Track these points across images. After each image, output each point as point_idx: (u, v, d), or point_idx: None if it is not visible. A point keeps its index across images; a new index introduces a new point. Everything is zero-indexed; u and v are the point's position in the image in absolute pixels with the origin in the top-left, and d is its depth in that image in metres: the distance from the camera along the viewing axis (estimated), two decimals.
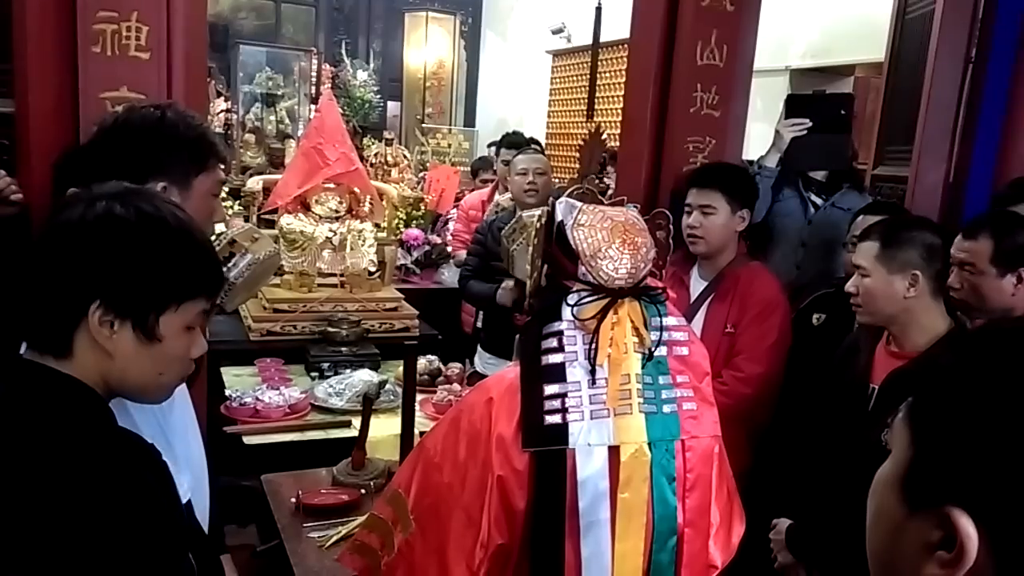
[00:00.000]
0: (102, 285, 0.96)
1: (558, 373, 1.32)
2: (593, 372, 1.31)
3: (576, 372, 1.32)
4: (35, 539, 0.86)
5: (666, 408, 1.34)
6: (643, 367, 1.34)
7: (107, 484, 0.91)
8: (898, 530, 0.59)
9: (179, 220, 1.02)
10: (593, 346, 1.32)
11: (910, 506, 0.58)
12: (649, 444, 1.30)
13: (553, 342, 1.33)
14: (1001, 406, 0.53)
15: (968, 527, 0.52)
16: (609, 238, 1.37)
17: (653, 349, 1.35)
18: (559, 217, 1.41)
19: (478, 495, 1.28)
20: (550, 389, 1.30)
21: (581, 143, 5.22)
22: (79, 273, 0.96)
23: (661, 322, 1.37)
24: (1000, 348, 0.58)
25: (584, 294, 1.35)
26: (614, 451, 1.29)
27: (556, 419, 1.29)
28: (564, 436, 1.28)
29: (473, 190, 5.36)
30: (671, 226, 1.51)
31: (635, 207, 1.49)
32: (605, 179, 4.61)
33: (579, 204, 1.42)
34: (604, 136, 1.56)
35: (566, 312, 1.34)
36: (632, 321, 1.35)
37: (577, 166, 5.32)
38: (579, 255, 1.36)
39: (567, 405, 1.30)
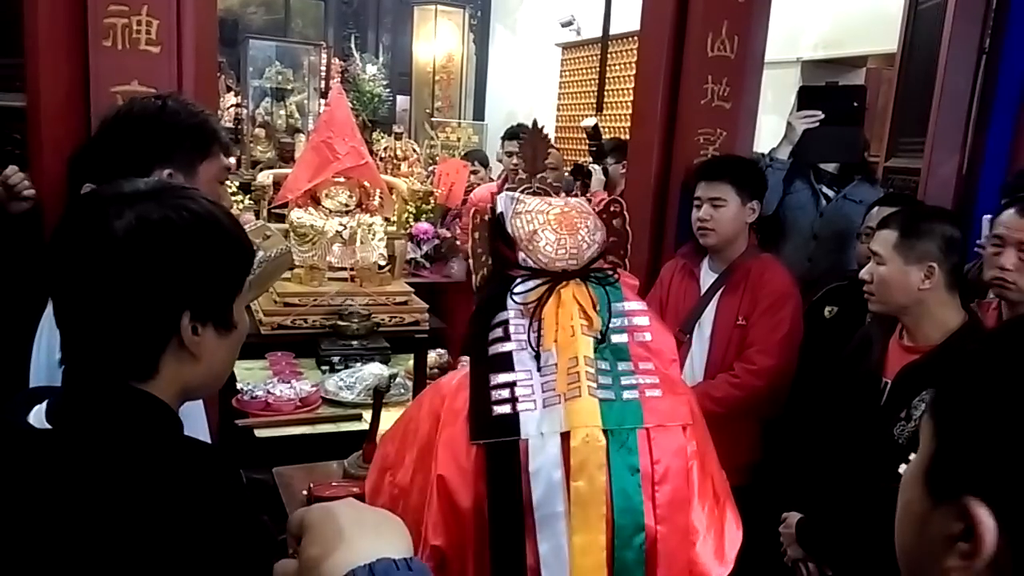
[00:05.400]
0: (189, 297, 0.93)
1: (506, 362, 1.27)
2: (541, 358, 1.27)
3: (525, 360, 1.27)
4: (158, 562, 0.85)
5: (626, 395, 1.27)
6: (596, 351, 1.28)
7: (226, 513, 0.91)
8: (923, 523, 0.59)
9: (219, 208, 1.00)
10: (537, 331, 1.27)
11: (934, 498, 0.58)
12: (607, 432, 1.23)
13: (499, 332, 1.30)
14: (1019, 397, 0.53)
15: (986, 517, 0.53)
16: (546, 221, 1.35)
17: (604, 332, 1.30)
18: (499, 209, 1.38)
19: (420, 492, 1.24)
20: (498, 379, 1.26)
21: (587, 142, 5.19)
22: (167, 294, 0.91)
23: (621, 306, 1.33)
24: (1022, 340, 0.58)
25: (526, 279, 1.32)
26: (566, 438, 1.23)
27: (506, 409, 1.24)
28: (515, 426, 1.23)
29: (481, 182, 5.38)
30: (626, 213, 1.47)
31: (586, 200, 1.47)
32: (593, 168, 4.62)
33: (519, 195, 1.41)
34: (544, 131, 1.52)
35: (510, 300, 1.31)
36: (579, 303, 1.30)
37: (587, 159, 5.31)
38: (516, 241, 1.34)
39: (517, 395, 1.24)
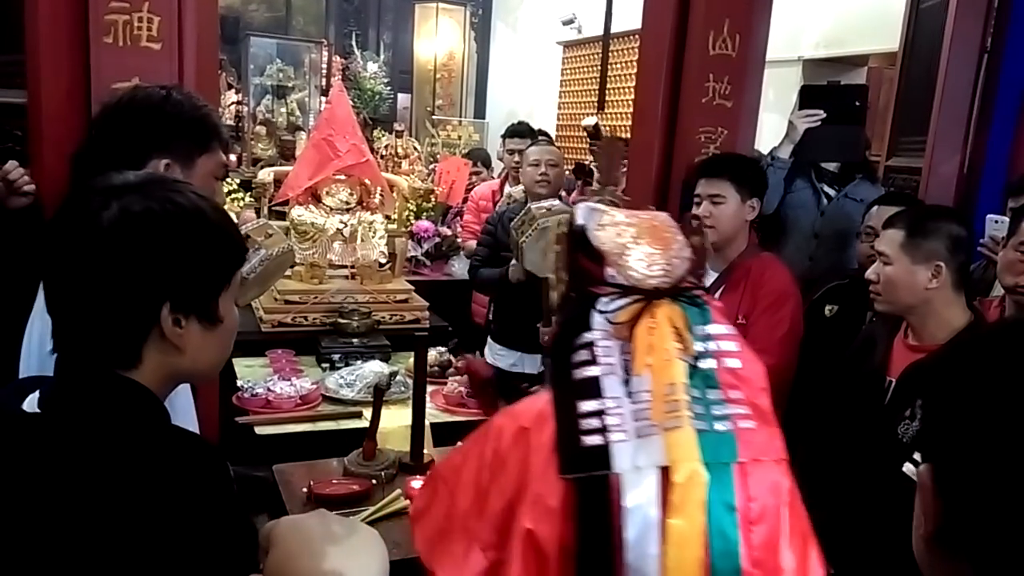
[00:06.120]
0: (168, 288, 0.94)
1: (593, 388, 1.16)
2: (632, 383, 1.16)
3: (614, 386, 1.17)
4: (138, 548, 0.85)
5: (719, 426, 1.17)
6: (689, 377, 1.18)
7: (206, 495, 0.92)
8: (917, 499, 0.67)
9: (207, 201, 1.01)
10: (628, 354, 1.17)
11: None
12: (705, 465, 1.13)
13: (585, 354, 1.19)
14: (966, 379, 0.61)
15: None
16: (637, 235, 1.25)
17: (699, 357, 1.20)
18: (579, 221, 1.29)
19: (494, 527, 1.16)
20: (585, 406, 1.15)
21: (587, 141, 5.18)
22: (147, 284, 0.93)
23: (710, 329, 1.22)
24: (991, 339, 0.65)
25: (615, 297, 1.22)
26: (666, 472, 1.12)
27: (596, 440, 1.13)
28: (606, 459, 1.12)
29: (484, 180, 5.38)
30: (705, 228, 1.39)
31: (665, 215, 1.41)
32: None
33: (601, 206, 1.31)
34: (619, 140, 1.41)
35: (596, 320, 1.21)
36: (673, 325, 1.21)
37: (589, 158, 5.31)
38: (604, 255, 1.24)
39: (607, 424, 1.14)
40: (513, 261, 3.11)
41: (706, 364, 1.20)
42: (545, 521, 1.12)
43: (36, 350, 1.40)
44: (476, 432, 1.31)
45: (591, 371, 1.17)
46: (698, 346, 1.20)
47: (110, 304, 0.92)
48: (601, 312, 1.20)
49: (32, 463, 0.88)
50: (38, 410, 0.93)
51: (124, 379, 0.94)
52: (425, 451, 2.28)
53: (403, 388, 2.74)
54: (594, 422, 1.14)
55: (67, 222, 0.95)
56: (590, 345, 1.19)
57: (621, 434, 1.13)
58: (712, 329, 1.22)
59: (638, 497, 1.11)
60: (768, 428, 1.21)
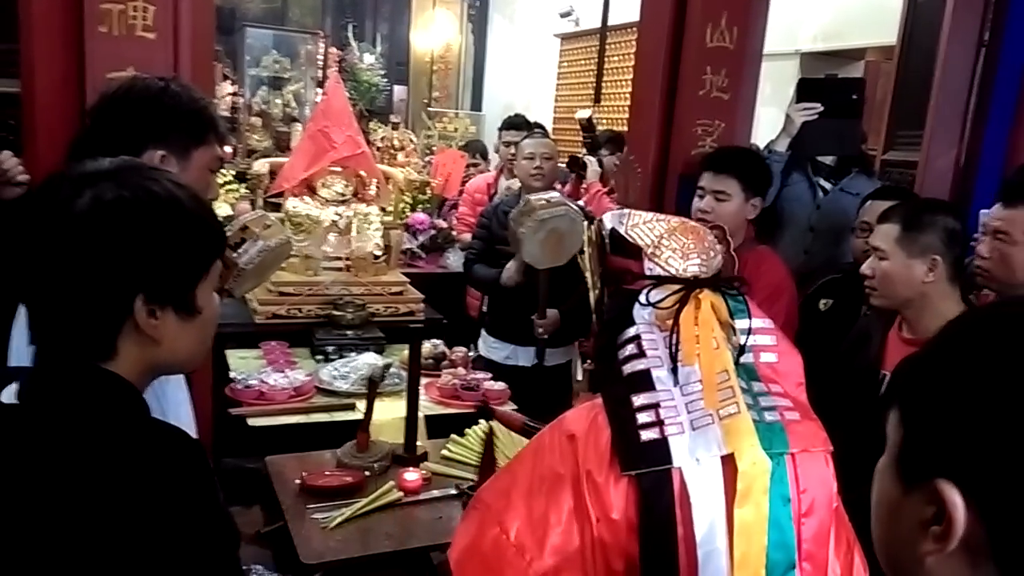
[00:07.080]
0: (141, 279, 0.93)
1: (644, 380, 1.15)
2: (678, 372, 1.14)
3: (663, 379, 1.15)
4: (118, 540, 0.85)
5: (768, 416, 1.15)
6: (735, 365, 1.17)
7: (184, 487, 0.91)
8: (896, 511, 0.60)
9: (184, 190, 1.00)
10: (674, 343, 1.15)
11: (905, 485, 0.59)
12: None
13: (632, 348, 1.18)
14: (981, 377, 0.54)
15: (954, 496, 0.53)
16: (669, 229, 1.26)
17: (745, 346, 1.19)
18: (609, 226, 1.30)
19: (554, 549, 1.11)
20: (639, 400, 1.13)
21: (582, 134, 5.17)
22: (119, 275, 0.91)
23: (748, 323, 1.21)
24: (985, 324, 0.59)
25: (655, 288, 1.21)
26: (727, 461, 1.11)
27: (653, 434, 1.11)
28: (666, 453, 1.10)
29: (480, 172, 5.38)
30: (730, 238, 1.40)
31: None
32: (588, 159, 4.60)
33: (627, 211, 1.32)
34: (634, 160, 1.40)
35: (640, 313, 1.20)
36: (716, 314, 1.19)
37: (584, 152, 5.29)
38: (642, 249, 1.24)
39: (662, 417, 1.12)
40: (508, 264, 3.11)
41: (745, 358, 1.20)
42: (610, 534, 1.10)
43: (26, 340, 1.40)
44: (523, 451, 1.28)
45: (641, 364, 1.17)
46: (741, 338, 1.20)
47: (82, 295, 0.91)
48: (644, 304, 1.19)
49: (7, 454, 0.88)
50: (16, 401, 0.93)
51: (101, 370, 0.94)
52: (419, 443, 2.28)
53: (397, 380, 2.74)
54: (650, 416, 1.12)
55: (39, 210, 0.94)
56: (636, 339, 1.18)
57: (675, 427, 1.12)
58: (752, 323, 1.22)
59: (703, 491, 1.09)
60: (811, 421, 1.19)
